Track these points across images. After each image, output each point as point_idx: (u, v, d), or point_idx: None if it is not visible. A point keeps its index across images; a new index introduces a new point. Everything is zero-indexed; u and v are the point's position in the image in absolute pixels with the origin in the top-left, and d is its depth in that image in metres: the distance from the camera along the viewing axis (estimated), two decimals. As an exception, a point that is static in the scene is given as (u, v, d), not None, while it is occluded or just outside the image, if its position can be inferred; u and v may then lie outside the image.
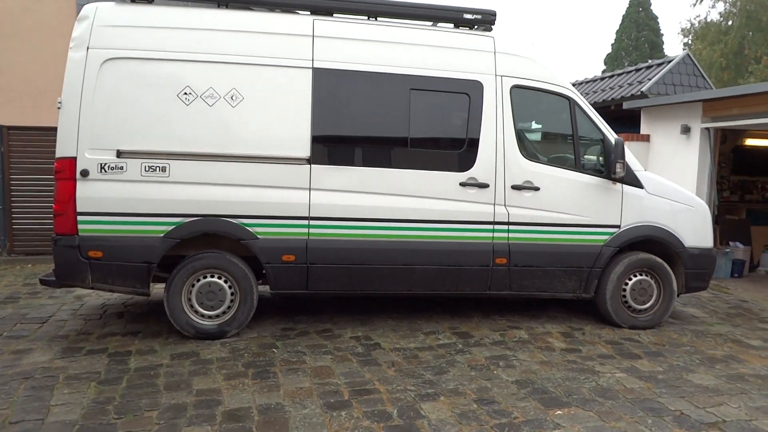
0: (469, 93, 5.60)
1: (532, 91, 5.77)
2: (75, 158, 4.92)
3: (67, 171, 4.92)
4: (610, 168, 5.73)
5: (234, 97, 5.14)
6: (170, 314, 5.16)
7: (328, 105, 5.32)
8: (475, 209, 5.58)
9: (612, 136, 5.87)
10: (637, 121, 10.42)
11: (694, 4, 37.00)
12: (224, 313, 5.26)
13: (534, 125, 6.09)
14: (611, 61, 37.75)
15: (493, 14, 5.71)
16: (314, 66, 5.30)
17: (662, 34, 40.12)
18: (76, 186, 4.92)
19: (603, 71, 32.77)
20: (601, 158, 5.90)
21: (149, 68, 5.05)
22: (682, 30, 36.14)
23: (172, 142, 5.06)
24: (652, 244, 6.04)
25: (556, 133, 6.15)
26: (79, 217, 4.95)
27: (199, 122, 5.09)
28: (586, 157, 5.94)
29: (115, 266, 5.05)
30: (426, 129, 5.59)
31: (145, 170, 5.02)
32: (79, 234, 4.96)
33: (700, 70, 11.01)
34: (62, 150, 4.95)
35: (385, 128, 5.53)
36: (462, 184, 5.54)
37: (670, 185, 6.16)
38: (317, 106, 5.28)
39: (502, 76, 5.67)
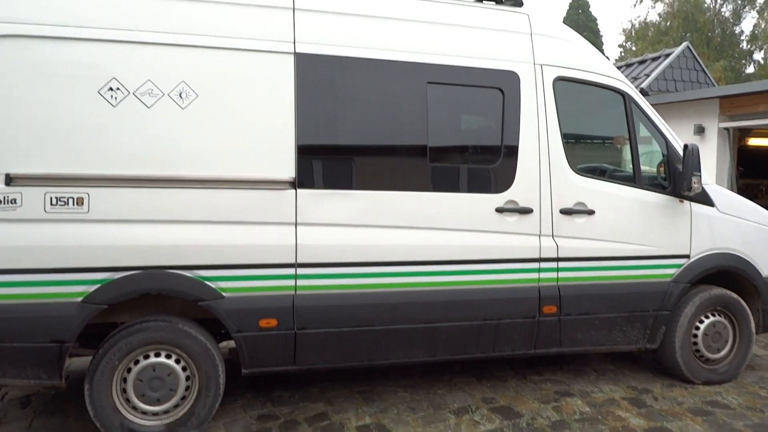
0: (502, 88, 4.19)
1: (580, 84, 4.44)
2: (-63, 189, 3.20)
3: (-75, 209, 3.20)
4: (680, 182, 4.47)
5: (184, 95, 3.53)
6: (95, 414, 3.48)
7: (317, 105, 3.80)
8: (515, 243, 4.18)
9: (677, 140, 4.63)
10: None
11: (635, 5, 37.85)
12: (177, 407, 3.62)
13: (583, 128, 4.75)
14: (554, 62, 37.82)
15: (525, -16, 4.37)
16: (297, 51, 3.76)
17: (602, 36, 40.90)
18: (-60, 231, 3.21)
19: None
20: (662, 169, 4.64)
21: (56, 51, 3.36)
22: (624, 30, 36.65)
23: (91, 161, 3.41)
24: (724, 275, 4.82)
25: (609, 137, 4.84)
26: (-53, 280, 3.24)
27: (132, 131, 3.46)
28: (643, 168, 4.67)
29: (7, 350, 3.35)
30: (449, 136, 4.19)
31: (52, 203, 3.36)
32: (-53, 305, 3.24)
33: (701, 63, 10.09)
34: None
35: (397, 136, 4.05)
36: (498, 210, 4.13)
37: (743, 201, 4.96)
38: (303, 108, 3.74)
39: (542, 65, 4.30)
